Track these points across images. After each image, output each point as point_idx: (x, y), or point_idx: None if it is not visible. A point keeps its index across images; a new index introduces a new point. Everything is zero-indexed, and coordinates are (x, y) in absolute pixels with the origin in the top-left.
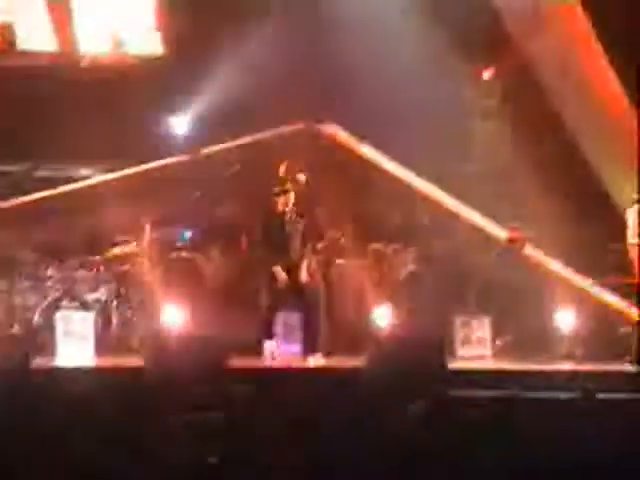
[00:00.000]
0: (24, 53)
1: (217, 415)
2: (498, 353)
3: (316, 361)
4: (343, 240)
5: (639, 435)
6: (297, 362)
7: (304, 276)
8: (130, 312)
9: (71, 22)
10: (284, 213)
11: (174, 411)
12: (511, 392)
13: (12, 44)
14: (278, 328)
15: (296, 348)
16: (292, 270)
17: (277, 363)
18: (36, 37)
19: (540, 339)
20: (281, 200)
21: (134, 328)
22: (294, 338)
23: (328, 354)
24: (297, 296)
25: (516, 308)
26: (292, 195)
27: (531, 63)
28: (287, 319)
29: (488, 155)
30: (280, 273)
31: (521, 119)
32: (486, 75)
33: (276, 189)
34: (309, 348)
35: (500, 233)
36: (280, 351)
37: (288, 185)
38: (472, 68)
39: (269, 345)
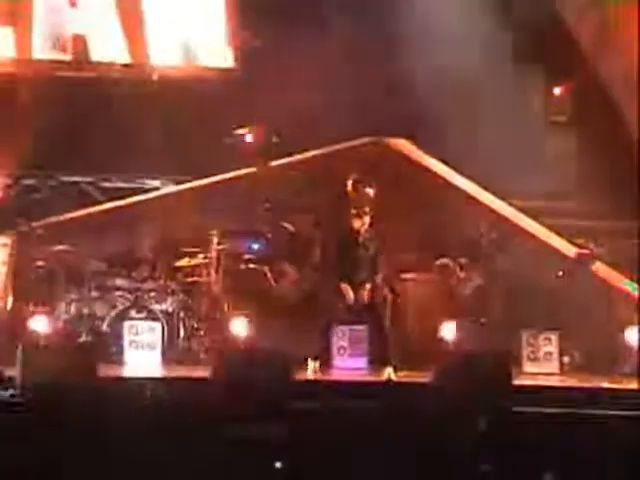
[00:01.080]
0: (96, 64)
1: (281, 426)
2: (565, 370)
3: (387, 375)
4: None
5: None
6: (366, 376)
7: (374, 291)
8: (197, 323)
9: (143, 34)
10: (357, 232)
11: (239, 421)
12: (577, 410)
13: (84, 55)
14: (344, 342)
15: (362, 362)
16: (361, 285)
17: (347, 376)
18: (108, 48)
19: (607, 356)
20: (357, 221)
21: (201, 339)
22: (360, 352)
23: (395, 368)
24: (365, 311)
25: (584, 325)
26: (368, 218)
27: (602, 79)
28: (353, 333)
29: (558, 171)
30: (348, 290)
31: (592, 135)
32: (557, 91)
33: (354, 210)
34: (379, 362)
35: (569, 249)
36: (346, 365)
37: (366, 208)
38: (543, 84)
39: (312, 364)
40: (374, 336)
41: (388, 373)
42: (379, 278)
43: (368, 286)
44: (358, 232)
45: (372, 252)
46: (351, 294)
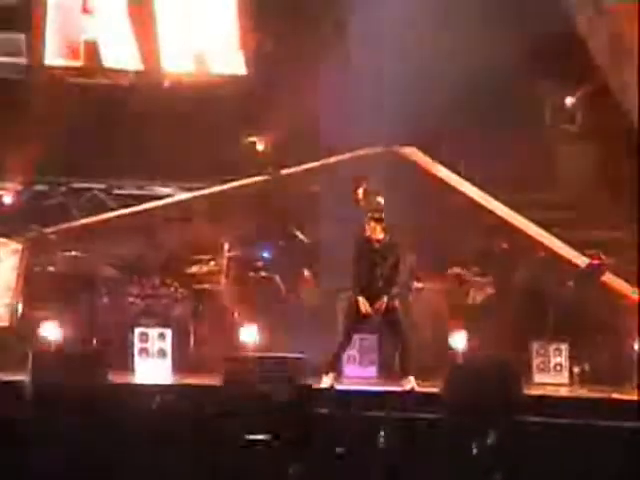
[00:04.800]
0: (108, 71)
1: (291, 434)
2: (575, 381)
3: (409, 384)
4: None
5: None
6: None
7: (391, 300)
8: (208, 330)
9: (155, 40)
10: (372, 240)
11: (249, 429)
12: (586, 420)
13: (97, 61)
14: (353, 351)
15: (371, 371)
16: (376, 296)
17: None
18: (120, 55)
19: (618, 368)
20: (372, 227)
21: (211, 346)
22: (370, 361)
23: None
24: (382, 320)
25: (594, 336)
26: (383, 224)
27: (613, 88)
28: (363, 342)
29: (569, 181)
30: (364, 302)
31: (603, 145)
32: (569, 101)
33: (368, 215)
34: (400, 371)
35: (580, 259)
36: (356, 374)
37: (381, 214)
38: (555, 94)
39: (326, 378)
40: (391, 345)
41: (410, 382)
42: (396, 287)
43: (385, 296)
44: (374, 240)
45: (390, 261)
46: (367, 305)
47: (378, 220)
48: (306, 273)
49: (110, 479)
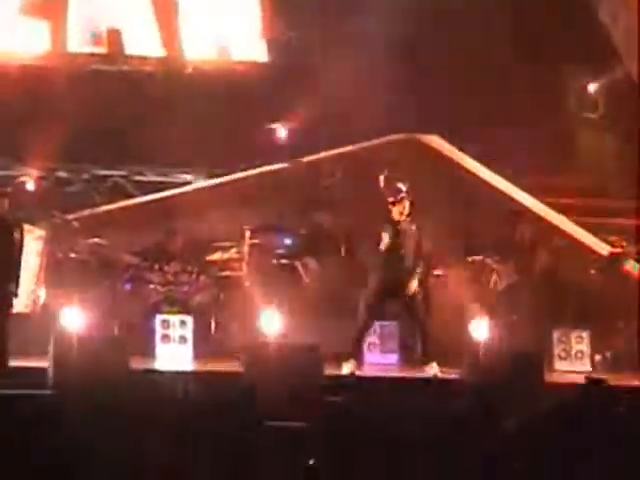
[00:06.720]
0: (130, 57)
1: (311, 423)
2: (597, 368)
3: (432, 370)
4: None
5: None
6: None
7: (414, 287)
8: (229, 317)
9: (177, 28)
10: (397, 222)
11: (269, 417)
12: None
13: (119, 48)
14: (374, 338)
15: (392, 358)
16: (401, 276)
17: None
18: (143, 42)
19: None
20: (396, 209)
21: (233, 333)
22: (391, 348)
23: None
24: (404, 306)
25: (616, 323)
26: (407, 204)
27: (634, 77)
28: (384, 329)
29: (591, 168)
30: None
31: (624, 132)
32: (591, 88)
33: (391, 198)
34: (421, 357)
35: (602, 247)
36: (377, 361)
37: (403, 194)
38: (577, 81)
39: (347, 365)
40: (412, 331)
41: (433, 369)
42: (418, 273)
43: (410, 281)
44: (395, 222)
45: (413, 241)
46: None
47: (396, 203)
48: (309, 261)
49: (129, 465)
